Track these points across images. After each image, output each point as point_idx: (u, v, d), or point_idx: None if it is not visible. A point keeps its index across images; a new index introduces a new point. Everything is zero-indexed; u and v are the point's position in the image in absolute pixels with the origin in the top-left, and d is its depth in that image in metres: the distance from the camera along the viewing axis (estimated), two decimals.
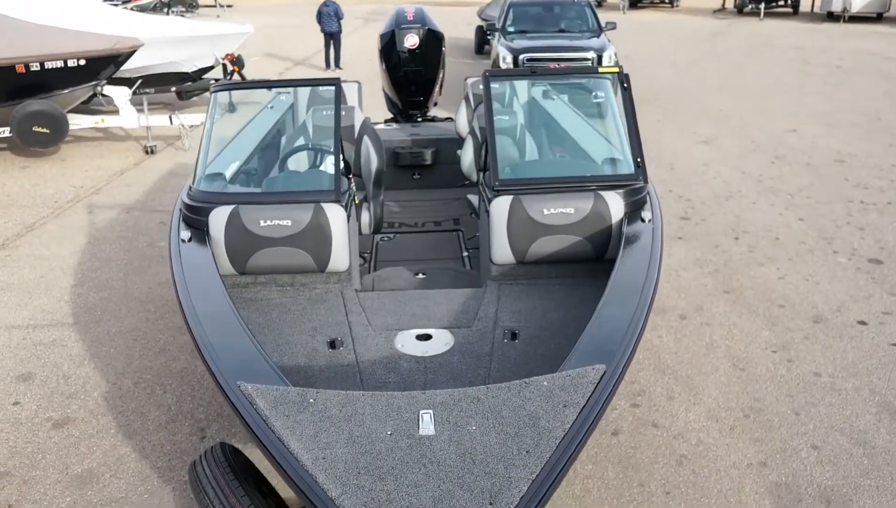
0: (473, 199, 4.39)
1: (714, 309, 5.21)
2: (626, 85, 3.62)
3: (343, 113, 4.27)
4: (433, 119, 6.76)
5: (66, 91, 8.98)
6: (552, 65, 10.34)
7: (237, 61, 11.57)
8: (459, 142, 5.52)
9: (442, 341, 2.98)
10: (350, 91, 5.76)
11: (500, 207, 3.42)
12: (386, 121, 6.76)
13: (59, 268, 6.02)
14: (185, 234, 3.37)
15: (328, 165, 3.61)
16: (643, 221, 3.42)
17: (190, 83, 11.36)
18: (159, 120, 9.53)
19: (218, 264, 3.34)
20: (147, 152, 9.38)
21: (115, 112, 9.67)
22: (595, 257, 3.53)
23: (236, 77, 11.62)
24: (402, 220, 5.21)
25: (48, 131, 8.62)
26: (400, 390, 2.66)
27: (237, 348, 2.46)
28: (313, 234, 3.34)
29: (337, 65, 15.94)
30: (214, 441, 3.86)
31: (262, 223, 3.33)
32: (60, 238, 6.65)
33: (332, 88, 3.51)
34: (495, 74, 3.71)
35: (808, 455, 3.72)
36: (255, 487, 2.50)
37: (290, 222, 3.32)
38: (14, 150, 9.46)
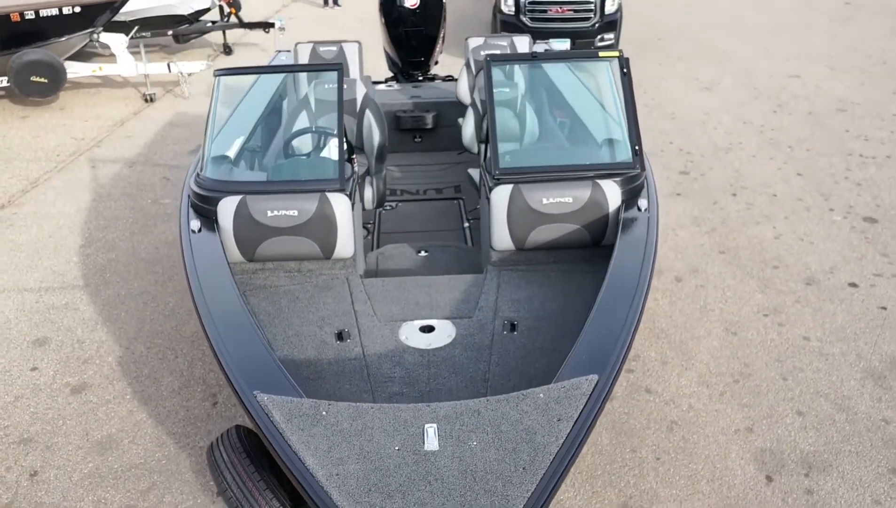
0: (474, 173, 4.46)
1: (709, 270, 5.33)
2: (625, 70, 3.64)
3: (345, 86, 4.29)
4: (433, 78, 6.74)
5: (63, 39, 8.87)
6: (555, 9, 10.18)
7: (234, 3, 11.36)
8: (460, 106, 5.53)
9: (444, 332, 3.12)
10: (351, 53, 5.72)
11: (501, 195, 3.51)
12: (387, 80, 6.74)
13: (66, 227, 6.11)
14: (195, 224, 3.46)
15: (332, 149, 3.67)
16: (639, 209, 3.51)
17: (187, 25, 11.19)
18: (157, 68, 9.45)
19: (227, 252, 3.45)
20: (146, 100, 9.33)
21: (113, 59, 9.58)
22: (592, 243, 3.63)
23: (233, 19, 11.44)
24: (405, 187, 5.28)
25: (46, 81, 8.58)
26: (405, 384, 2.81)
27: (252, 354, 2.59)
28: (319, 223, 3.44)
29: (336, 2, 15.63)
30: (226, 406, 4.04)
31: (269, 214, 3.42)
32: (65, 195, 6.72)
33: (335, 72, 3.54)
34: (496, 58, 3.72)
35: (793, 421, 3.90)
36: (269, 469, 2.67)
37: (296, 212, 3.42)
38: (13, 98, 9.41)
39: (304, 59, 5.76)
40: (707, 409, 4.00)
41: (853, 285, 5.12)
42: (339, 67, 3.59)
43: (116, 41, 9.29)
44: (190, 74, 9.73)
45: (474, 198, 5.02)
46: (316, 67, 3.61)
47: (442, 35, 6.57)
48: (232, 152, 3.75)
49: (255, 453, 2.75)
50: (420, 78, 6.68)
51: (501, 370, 2.90)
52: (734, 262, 5.44)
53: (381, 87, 6.44)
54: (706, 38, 12.30)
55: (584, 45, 10.36)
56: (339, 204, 3.45)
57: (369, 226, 4.71)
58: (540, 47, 6.13)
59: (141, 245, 5.81)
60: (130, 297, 5.11)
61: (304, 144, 3.94)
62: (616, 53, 3.68)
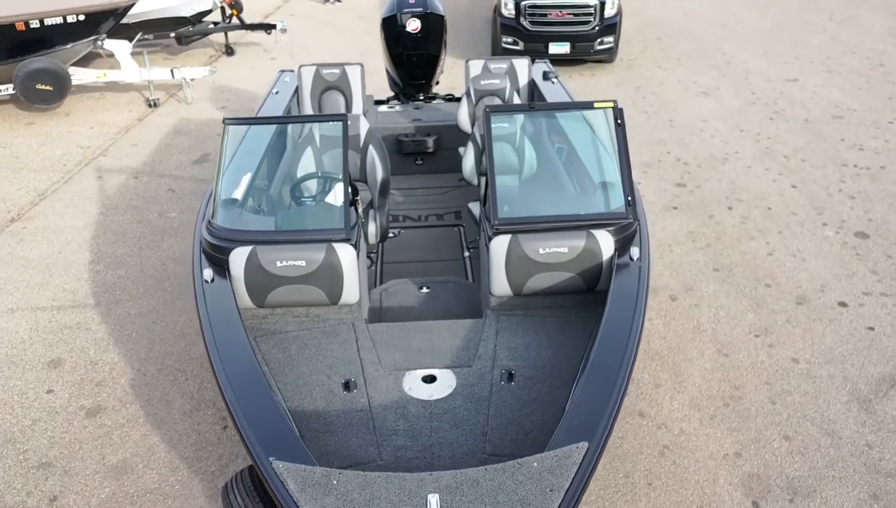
0: (474, 207, 4.61)
1: (703, 289, 5.47)
2: (619, 121, 3.77)
3: (348, 122, 4.42)
4: (434, 97, 6.86)
5: (67, 47, 8.97)
6: (554, 13, 10.25)
7: (235, 4, 11.44)
8: (461, 130, 5.67)
9: (445, 383, 3.29)
10: (353, 75, 5.84)
11: (500, 245, 3.68)
12: (388, 99, 6.85)
13: (75, 242, 6.25)
14: (208, 273, 3.63)
15: (337, 195, 3.83)
16: (631, 259, 3.67)
17: (189, 27, 11.27)
18: (161, 74, 9.55)
19: (238, 298, 3.61)
20: (150, 106, 9.45)
21: (116, 63, 9.68)
22: (587, 289, 3.79)
23: (235, 21, 11.52)
24: (406, 212, 5.43)
25: (51, 88, 8.69)
26: (409, 437, 2.98)
27: (267, 418, 2.75)
28: (326, 272, 3.61)
29: None
30: (235, 430, 4.20)
31: (278, 264, 3.59)
32: (73, 208, 6.85)
33: (340, 123, 3.67)
34: (496, 109, 3.86)
35: (780, 446, 4.06)
36: None
37: (304, 263, 3.58)
38: (18, 105, 9.51)
39: (307, 82, 5.88)
40: (698, 433, 4.16)
41: (843, 304, 5.27)
42: (344, 117, 3.72)
43: (120, 48, 9.39)
44: (192, 80, 9.84)
45: (474, 227, 5.18)
46: (321, 118, 3.75)
47: (443, 55, 6.68)
48: (240, 194, 3.90)
49: (267, 497, 2.92)
50: (421, 98, 6.81)
51: (499, 422, 3.07)
52: (728, 279, 5.58)
53: (383, 108, 6.57)
54: (706, 39, 12.36)
55: (583, 48, 10.45)
56: (345, 254, 3.61)
57: (372, 256, 4.88)
58: (539, 68, 6.23)
59: (149, 261, 5.95)
60: (140, 316, 5.26)
61: (310, 186, 4.10)
62: (610, 104, 3.81)
